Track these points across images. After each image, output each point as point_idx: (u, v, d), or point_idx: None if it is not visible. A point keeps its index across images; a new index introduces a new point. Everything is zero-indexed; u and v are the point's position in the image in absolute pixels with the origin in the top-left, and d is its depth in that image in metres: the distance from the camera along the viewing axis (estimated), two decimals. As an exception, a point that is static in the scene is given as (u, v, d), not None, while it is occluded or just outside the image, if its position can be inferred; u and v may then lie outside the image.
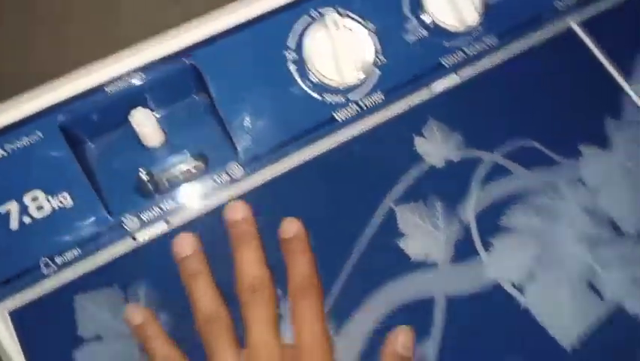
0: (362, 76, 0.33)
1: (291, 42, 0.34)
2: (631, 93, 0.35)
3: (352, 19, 0.34)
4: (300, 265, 0.30)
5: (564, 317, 0.30)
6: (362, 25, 0.34)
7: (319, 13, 0.34)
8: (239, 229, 0.30)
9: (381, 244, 0.31)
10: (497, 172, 0.33)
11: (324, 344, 0.28)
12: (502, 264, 0.31)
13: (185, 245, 0.30)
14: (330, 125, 0.33)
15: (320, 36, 0.33)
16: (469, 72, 0.35)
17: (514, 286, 0.30)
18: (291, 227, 0.30)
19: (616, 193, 0.32)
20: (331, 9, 0.34)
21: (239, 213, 0.30)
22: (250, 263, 0.29)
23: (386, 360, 0.28)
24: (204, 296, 0.29)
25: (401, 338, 0.29)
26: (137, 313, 0.29)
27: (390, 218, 0.31)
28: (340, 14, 0.34)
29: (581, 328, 0.29)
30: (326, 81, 0.33)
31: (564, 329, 0.29)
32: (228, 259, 0.30)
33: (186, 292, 0.29)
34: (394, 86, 0.34)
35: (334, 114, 0.33)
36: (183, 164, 0.32)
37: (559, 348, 0.29)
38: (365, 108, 0.33)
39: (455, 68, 0.35)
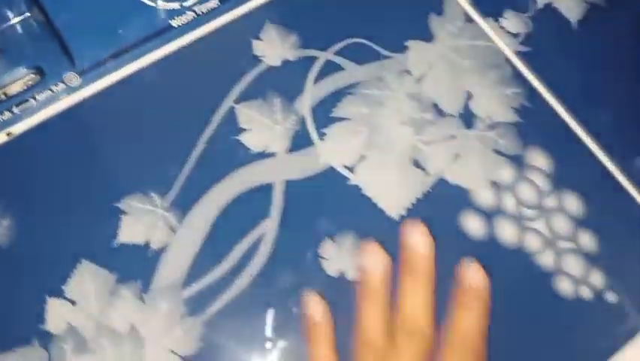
0: (195, -17, 0.34)
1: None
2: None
3: None
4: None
5: (391, 191, 0.33)
6: None
7: None
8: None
9: (223, 139, 0.33)
10: (330, 68, 0.35)
11: None
12: (334, 150, 0.33)
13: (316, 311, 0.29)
14: (168, 32, 0.34)
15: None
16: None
17: (346, 167, 0.33)
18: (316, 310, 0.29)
19: (438, 80, 0.35)
20: None
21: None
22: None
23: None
24: None
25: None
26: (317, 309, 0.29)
27: (231, 116, 0.33)
28: None
29: (406, 200, 0.33)
30: (159, -12, 0.34)
31: (391, 201, 0.32)
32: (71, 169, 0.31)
33: None
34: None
35: (170, 21, 0.34)
36: (19, 77, 0.32)
37: (387, 218, 0.32)
38: (201, 14, 0.35)
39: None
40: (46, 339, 0.28)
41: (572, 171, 0.34)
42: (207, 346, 0.29)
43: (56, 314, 0.28)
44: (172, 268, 0.30)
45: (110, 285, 0.29)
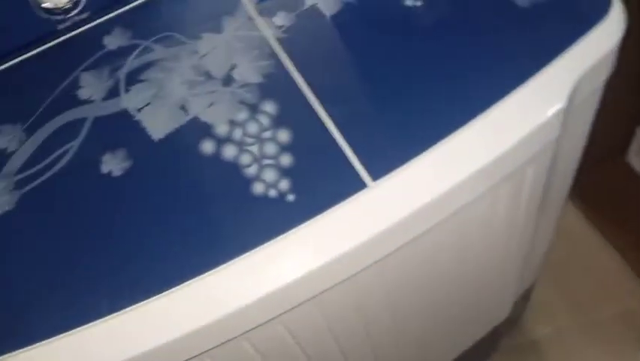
0: None
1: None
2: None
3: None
4: None
5: (160, 123, 0.47)
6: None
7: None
8: None
9: (65, 94, 0.50)
10: (146, 51, 0.52)
11: None
12: (132, 99, 0.49)
13: None
14: (54, 33, 0.54)
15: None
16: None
17: (135, 109, 0.49)
18: None
19: (215, 57, 0.50)
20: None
21: None
22: None
23: None
24: None
25: None
26: None
27: (76, 80, 0.51)
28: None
29: (169, 129, 0.47)
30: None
31: (157, 128, 0.47)
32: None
33: None
34: (99, 6, 0.54)
35: (57, 26, 0.54)
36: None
37: (151, 140, 0.47)
38: (77, 21, 0.54)
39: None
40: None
41: (290, 114, 0.46)
42: None
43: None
44: None
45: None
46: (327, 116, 0.46)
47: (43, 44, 0.54)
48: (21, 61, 0.53)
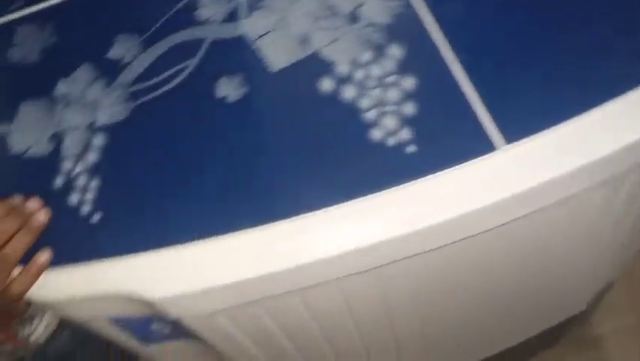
0: None
1: None
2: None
3: None
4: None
5: (279, 54, 0.46)
6: None
7: None
8: None
9: (185, 12, 0.49)
10: None
11: None
12: (252, 25, 0.47)
13: None
14: None
15: None
16: None
17: (256, 37, 0.47)
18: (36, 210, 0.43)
19: (343, -9, 0.48)
20: None
21: None
22: None
23: None
24: None
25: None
26: None
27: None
28: None
29: (288, 60, 0.45)
30: None
31: (276, 59, 0.45)
32: None
33: None
34: None
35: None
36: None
37: (268, 70, 0.45)
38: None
39: None
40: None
41: (419, 60, 0.43)
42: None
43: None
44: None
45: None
46: (461, 67, 0.43)
47: None
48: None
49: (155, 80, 0.47)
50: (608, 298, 1.00)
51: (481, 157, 0.40)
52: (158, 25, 0.50)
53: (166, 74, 0.47)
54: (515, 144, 0.40)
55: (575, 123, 0.40)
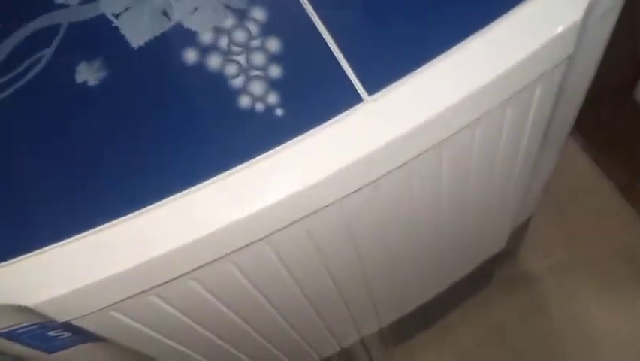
0: None
1: None
2: None
3: None
4: None
5: (140, 30, 0.44)
6: None
7: None
8: None
9: (39, -4, 0.46)
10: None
11: None
12: (109, 3, 0.45)
13: None
14: None
15: None
16: None
17: (113, 14, 0.45)
18: None
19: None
20: None
21: None
22: None
23: None
24: None
25: None
26: None
27: (49, -19, 0.47)
28: None
29: (149, 35, 0.43)
30: None
31: (137, 35, 0.43)
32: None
33: None
34: None
35: None
36: None
37: (130, 47, 0.43)
38: None
39: None
40: None
41: (281, 21, 0.42)
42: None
43: None
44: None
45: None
46: (322, 23, 0.42)
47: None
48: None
49: (10, 74, 0.44)
50: (535, 235, 1.03)
51: (348, 111, 0.39)
52: (10, 15, 0.47)
53: (22, 67, 0.44)
54: (379, 92, 0.40)
55: (440, 62, 0.41)
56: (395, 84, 0.39)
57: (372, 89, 0.39)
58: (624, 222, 1.11)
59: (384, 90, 0.39)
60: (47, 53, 0.44)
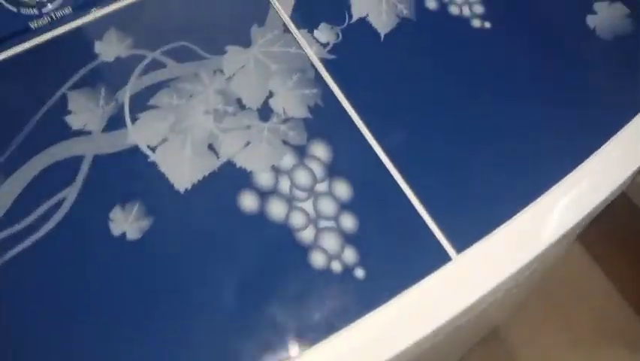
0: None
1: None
2: (277, 5, 0.44)
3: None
4: None
5: (183, 170, 0.38)
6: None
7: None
8: None
9: (51, 120, 0.39)
10: (154, 66, 0.41)
11: None
12: (142, 132, 0.39)
13: None
14: (26, 33, 0.42)
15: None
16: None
17: (148, 147, 0.39)
18: None
19: (245, 80, 0.41)
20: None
21: None
22: None
23: None
24: None
25: None
26: None
27: (63, 101, 0.40)
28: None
29: (196, 175, 0.38)
30: (18, -4, 0.42)
31: (182, 178, 0.38)
32: None
33: None
34: (84, 1, 0.43)
35: (29, 24, 0.42)
36: None
37: (174, 191, 0.37)
38: (56, 19, 0.42)
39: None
40: None
41: (349, 162, 0.38)
42: None
43: None
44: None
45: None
46: (394, 167, 0.38)
47: (11, 47, 0.41)
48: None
49: (23, 223, 0.36)
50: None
51: (438, 270, 0.36)
52: (18, 141, 0.39)
53: (38, 213, 0.37)
54: (467, 250, 0.36)
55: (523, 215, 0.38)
56: (481, 241, 0.37)
57: (460, 247, 0.36)
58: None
59: (471, 248, 0.36)
60: (70, 193, 0.37)
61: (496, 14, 0.44)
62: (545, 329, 1.09)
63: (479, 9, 0.44)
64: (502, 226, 0.37)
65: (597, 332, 1.09)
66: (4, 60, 0.41)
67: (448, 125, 0.40)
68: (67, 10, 0.42)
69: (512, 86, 0.41)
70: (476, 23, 0.43)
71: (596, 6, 0.46)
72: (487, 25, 0.43)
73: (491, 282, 0.37)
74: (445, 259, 0.36)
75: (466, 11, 0.44)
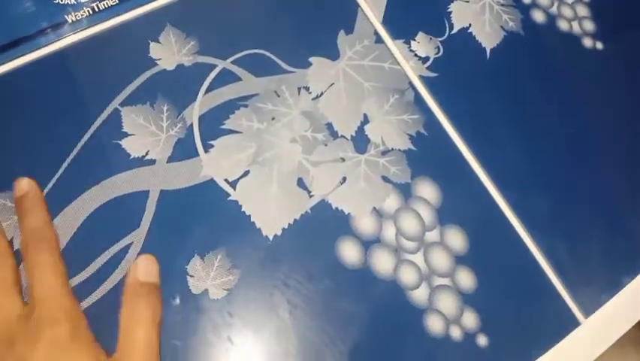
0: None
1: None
2: (366, 9, 0.37)
3: None
4: (31, 219, 0.29)
5: (270, 211, 0.32)
6: None
7: None
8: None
9: (103, 142, 0.32)
10: (226, 78, 0.34)
11: (56, 294, 0.27)
12: (218, 163, 0.32)
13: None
14: (63, 26, 0.33)
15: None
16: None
17: (227, 182, 0.32)
18: (22, 185, 0.30)
19: (336, 100, 0.35)
20: None
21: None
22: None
23: (128, 291, 0.29)
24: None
25: (141, 266, 0.29)
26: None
27: (116, 118, 0.32)
28: None
29: (284, 221, 0.32)
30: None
31: (269, 220, 0.32)
32: None
33: None
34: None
35: (66, 16, 0.33)
36: None
37: (262, 237, 0.31)
38: (98, 11, 0.34)
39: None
40: None
41: (460, 205, 0.33)
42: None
43: None
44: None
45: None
46: (514, 216, 0.34)
47: (41, 46, 0.33)
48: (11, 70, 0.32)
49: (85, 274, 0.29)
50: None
51: (568, 336, 0.32)
52: (60, 171, 0.31)
53: (99, 263, 0.30)
54: (596, 313, 0.33)
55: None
56: (608, 303, 0.33)
57: (588, 311, 0.32)
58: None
59: (599, 311, 0.33)
60: (136, 238, 0.30)
61: (607, 33, 0.39)
62: None
63: (589, 26, 0.39)
64: (627, 286, 0.34)
65: None
66: (34, 62, 0.32)
67: (565, 175, 0.36)
68: (112, 1, 0.34)
69: (633, 125, 0.37)
70: (587, 42, 0.39)
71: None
72: (599, 46, 0.39)
73: (611, 339, 0.34)
74: (574, 324, 0.32)
75: (576, 28, 0.39)
